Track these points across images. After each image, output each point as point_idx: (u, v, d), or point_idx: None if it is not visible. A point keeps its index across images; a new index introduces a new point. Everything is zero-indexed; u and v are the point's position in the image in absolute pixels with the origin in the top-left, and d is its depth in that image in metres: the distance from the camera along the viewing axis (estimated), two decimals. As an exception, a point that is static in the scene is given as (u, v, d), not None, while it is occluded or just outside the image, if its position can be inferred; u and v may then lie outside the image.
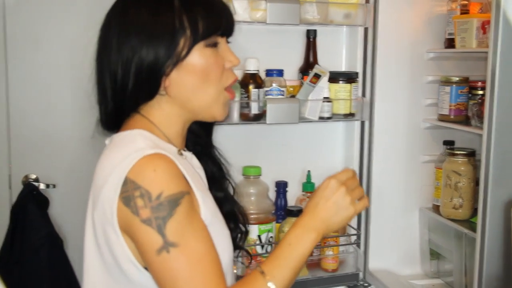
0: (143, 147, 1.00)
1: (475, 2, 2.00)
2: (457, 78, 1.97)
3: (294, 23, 1.83)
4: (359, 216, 2.12)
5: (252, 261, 1.50)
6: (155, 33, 1.01)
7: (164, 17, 1.02)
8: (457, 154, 1.97)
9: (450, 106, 1.98)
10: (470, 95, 1.98)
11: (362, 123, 2.08)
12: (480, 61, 2.05)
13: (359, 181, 2.11)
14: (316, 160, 2.12)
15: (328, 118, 1.96)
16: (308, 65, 2.00)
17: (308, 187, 2.04)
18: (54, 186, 2.12)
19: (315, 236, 1.05)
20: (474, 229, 1.79)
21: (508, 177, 1.47)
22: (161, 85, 1.04)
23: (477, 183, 1.98)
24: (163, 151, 1.00)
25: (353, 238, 2.10)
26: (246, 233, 1.27)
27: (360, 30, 2.02)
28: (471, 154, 1.97)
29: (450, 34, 2.00)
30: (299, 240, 1.04)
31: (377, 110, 2.04)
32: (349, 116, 2.01)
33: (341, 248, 2.06)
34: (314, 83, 1.90)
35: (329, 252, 2.02)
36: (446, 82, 1.99)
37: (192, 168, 1.11)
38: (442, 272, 2.08)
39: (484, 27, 1.84)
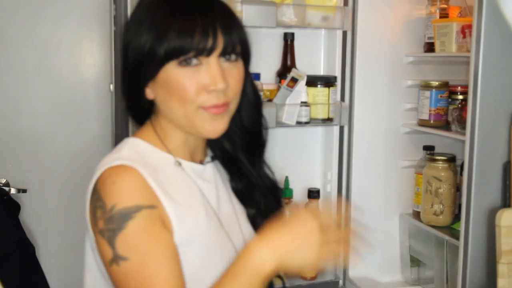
0: (120, 157, 0.99)
1: (454, 6, 1.98)
2: (437, 83, 1.95)
3: (271, 26, 1.79)
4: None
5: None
6: (140, 40, 0.99)
7: (149, 28, 0.99)
8: (437, 160, 1.94)
9: (430, 110, 1.96)
10: (450, 99, 1.96)
11: (341, 128, 2.04)
12: (460, 66, 2.03)
13: (339, 186, 2.08)
14: (294, 166, 2.08)
15: (306, 122, 1.92)
16: (286, 69, 1.96)
17: (286, 193, 2.00)
18: (25, 191, 2.04)
19: (264, 271, 0.90)
20: (455, 236, 1.76)
21: (491, 183, 1.45)
22: (144, 96, 1.03)
23: (457, 188, 1.96)
24: (134, 163, 0.97)
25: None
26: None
27: (339, 33, 1.98)
28: (452, 160, 1.95)
29: (429, 38, 1.97)
30: (245, 272, 0.91)
31: (356, 114, 2.01)
32: (327, 120, 1.97)
33: (319, 255, 2.01)
34: (291, 87, 1.86)
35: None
36: (426, 86, 1.97)
37: (187, 182, 1.05)
38: (423, 279, 2.05)
39: (464, 31, 1.82)
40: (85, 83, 2.02)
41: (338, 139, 2.05)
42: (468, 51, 1.79)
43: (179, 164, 1.06)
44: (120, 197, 0.94)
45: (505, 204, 1.44)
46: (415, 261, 2.07)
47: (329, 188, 2.07)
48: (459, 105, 1.87)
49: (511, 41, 1.42)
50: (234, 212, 1.13)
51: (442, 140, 2.05)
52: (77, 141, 2.03)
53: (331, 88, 1.95)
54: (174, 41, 0.96)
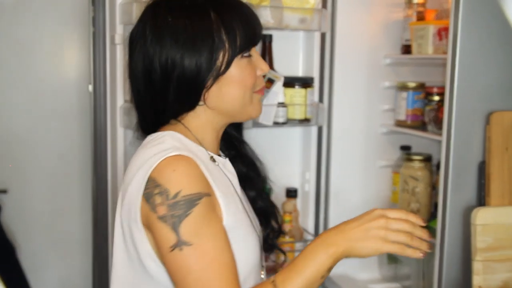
0: (169, 147, 1.02)
1: (430, 9, 2.01)
2: (414, 84, 1.98)
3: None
4: (316, 220, 2.10)
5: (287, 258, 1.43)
6: (196, 47, 1.02)
7: (202, 31, 1.03)
8: (414, 160, 1.97)
9: (407, 111, 1.98)
10: (426, 100, 1.98)
11: (320, 128, 2.05)
12: (436, 67, 2.06)
13: (317, 185, 2.09)
14: (272, 166, 2.08)
15: (283, 123, 1.92)
16: (264, 70, 1.97)
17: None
18: (5, 191, 2.02)
19: (334, 251, 0.96)
20: (431, 234, 1.79)
21: (467, 182, 1.47)
22: (201, 98, 1.07)
23: (433, 187, 1.99)
24: (188, 152, 1.01)
25: (311, 243, 2.07)
26: (279, 231, 1.25)
27: (317, 35, 1.99)
28: (428, 159, 1.98)
29: (406, 40, 2.00)
30: (316, 253, 0.97)
31: (335, 115, 2.03)
32: (305, 121, 1.98)
33: (297, 254, 2.02)
34: (268, 88, 1.87)
35: (285, 258, 1.99)
36: (403, 87, 1.99)
37: (222, 174, 1.11)
38: (400, 276, 2.07)
39: (440, 33, 1.85)
40: (65, 84, 2.01)
41: (317, 139, 2.06)
42: (445, 53, 1.82)
43: (214, 160, 1.12)
44: (184, 184, 0.97)
45: (480, 203, 1.47)
46: (392, 259, 2.09)
47: (307, 188, 2.08)
48: (436, 106, 1.90)
49: (487, 43, 1.44)
50: (246, 201, 1.19)
51: (419, 140, 2.07)
52: (57, 141, 2.02)
53: (308, 89, 1.95)
54: (240, 36, 1.04)
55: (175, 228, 0.96)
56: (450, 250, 1.48)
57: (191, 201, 0.96)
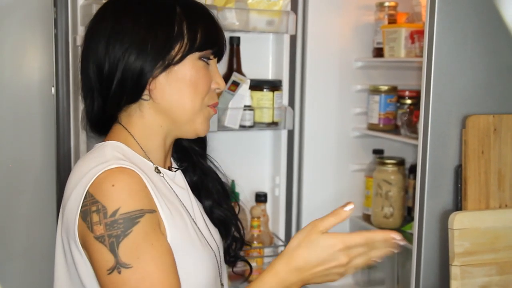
0: (109, 159, 0.95)
1: (402, 12, 2.00)
2: (386, 87, 1.97)
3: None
4: (288, 226, 2.07)
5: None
6: (152, 33, 0.98)
7: (163, 19, 1.00)
8: (387, 163, 1.96)
9: (379, 115, 1.97)
10: (398, 104, 1.98)
11: (290, 132, 2.02)
12: (408, 70, 2.06)
13: (288, 190, 2.06)
14: (241, 170, 2.03)
15: (250, 126, 1.88)
16: (231, 73, 1.92)
17: (233, 197, 1.96)
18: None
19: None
20: (406, 238, 1.77)
21: (443, 187, 1.46)
22: (146, 86, 1.00)
23: (406, 191, 1.99)
24: (129, 165, 0.94)
25: (281, 249, 2.03)
26: (242, 241, 1.19)
27: (286, 38, 1.95)
28: (401, 163, 1.97)
29: (378, 43, 1.99)
30: None
31: (307, 118, 2.00)
32: (273, 125, 1.94)
33: (266, 260, 1.98)
34: (233, 90, 1.83)
35: (253, 263, 1.94)
36: (375, 91, 1.98)
37: (167, 187, 1.04)
38: (374, 281, 2.06)
39: (412, 36, 1.84)
40: (27, 86, 1.94)
41: (287, 143, 2.02)
42: (417, 56, 1.81)
43: (159, 171, 1.04)
44: (123, 200, 0.90)
45: (457, 207, 1.46)
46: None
47: (278, 192, 2.05)
48: (408, 110, 1.89)
49: (462, 46, 1.43)
50: (201, 214, 1.12)
51: (391, 143, 2.07)
52: (20, 146, 1.95)
53: (276, 92, 1.91)
54: (202, 35, 1.01)
55: (112, 249, 0.89)
56: (427, 255, 1.47)
57: (131, 220, 0.89)
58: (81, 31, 1.73)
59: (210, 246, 1.07)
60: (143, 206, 0.91)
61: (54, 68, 1.86)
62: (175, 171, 1.10)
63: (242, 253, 1.24)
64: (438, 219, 1.46)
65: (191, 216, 1.06)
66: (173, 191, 1.05)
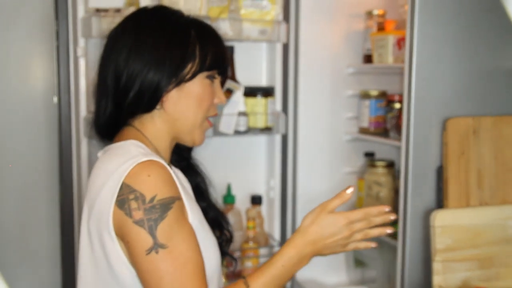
0: (137, 154, 1.05)
1: (390, 20, 2.07)
2: (376, 92, 2.03)
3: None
4: (283, 226, 2.14)
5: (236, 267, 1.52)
6: (168, 52, 1.10)
7: (180, 40, 1.12)
8: (377, 166, 2.02)
9: (369, 119, 2.04)
10: (388, 108, 2.04)
11: (284, 137, 2.09)
12: (396, 76, 2.13)
13: (283, 192, 2.13)
14: (237, 173, 2.12)
15: (244, 132, 1.96)
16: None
17: (229, 199, 2.05)
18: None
19: (306, 262, 1.12)
20: (394, 237, 1.84)
21: (426, 186, 1.53)
22: (160, 99, 1.11)
23: (396, 192, 2.05)
24: (157, 158, 1.06)
25: (276, 249, 2.10)
26: (231, 239, 1.32)
27: (278, 46, 2.04)
28: (391, 165, 2.03)
29: (368, 50, 2.06)
30: (293, 264, 1.10)
31: (301, 123, 2.07)
32: (266, 130, 2.02)
33: (262, 260, 2.06)
34: (227, 97, 1.91)
35: (248, 263, 2.01)
36: (365, 96, 2.05)
37: (178, 180, 1.14)
38: (367, 279, 2.12)
39: (399, 43, 1.91)
40: (31, 96, 2.01)
41: (281, 147, 2.10)
42: (404, 62, 1.88)
43: (170, 166, 1.16)
44: (159, 188, 1.01)
45: (439, 206, 1.53)
46: (359, 262, 2.14)
47: (272, 195, 2.12)
48: (397, 113, 1.96)
49: (442, 52, 1.51)
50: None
51: (382, 146, 2.14)
52: (24, 153, 2.01)
53: (269, 98, 2.00)
54: (211, 56, 1.13)
55: (151, 231, 1.00)
56: (411, 251, 1.53)
57: (166, 205, 1.01)
58: (81, 42, 1.82)
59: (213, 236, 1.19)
60: (174, 194, 1.03)
61: (56, 78, 1.93)
62: (177, 169, 1.23)
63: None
64: (421, 217, 1.53)
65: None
66: (182, 184, 1.15)
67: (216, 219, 1.28)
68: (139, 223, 1.00)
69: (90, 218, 1.07)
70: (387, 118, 2.02)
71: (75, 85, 1.87)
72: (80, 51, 1.82)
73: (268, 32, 1.94)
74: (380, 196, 2.01)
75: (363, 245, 1.14)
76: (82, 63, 1.84)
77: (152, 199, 1.00)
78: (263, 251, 2.07)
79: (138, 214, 1.00)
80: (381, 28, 2.05)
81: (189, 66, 1.11)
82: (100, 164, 1.10)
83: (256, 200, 2.07)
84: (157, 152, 1.14)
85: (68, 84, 1.89)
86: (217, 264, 1.14)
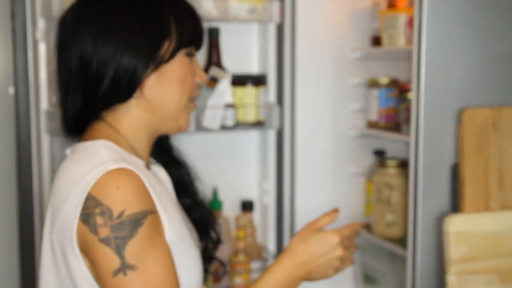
0: (107, 160, 1.09)
1: (402, -5, 2.13)
2: (386, 80, 2.09)
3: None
4: (279, 236, 2.20)
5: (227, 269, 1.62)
6: (142, 31, 1.14)
7: (154, 17, 1.15)
8: (388, 166, 2.07)
9: (379, 111, 2.09)
10: (400, 98, 2.09)
11: (279, 133, 2.16)
12: (409, 61, 2.17)
13: (278, 197, 2.20)
14: (224, 175, 2.18)
15: (233, 127, 2.02)
16: (210, 67, 2.06)
17: (215, 205, 2.10)
18: None
19: (297, 284, 1.22)
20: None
21: (439, 187, 1.60)
22: (139, 86, 1.15)
23: (411, 196, 2.11)
24: (129, 165, 1.09)
25: (270, 262, 2.15)
26: (218, 241, 1.38)
27: (271, 27, 2.10)
28: (404, 165, 2.08)
29: (376, 31, 2.12)
30: (281, 283, 1.19)
31: (299, 117, 2.13)
32: (257, 124, 2.09)
33: (254, 275, 2.11)
34: (212, 87, 1.95)
35: (238, 279, 2.07)
36: (374, 84, 2.10)
37: (159, 182, 1.21)
38: (376, 297, 2.19)
39: (412, 22, 1.96)
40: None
41: (276, 145, 2.16)
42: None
43: (149, 168, 1.22)
44: (128, 202, 1.05)
45: (454, 209, 1.60)
46: (369, 279, 2.20)
47: (266, 200, 2.19)
48: (411, 104, 2.01)
49: (455, 34, 1.57)
50: (181, 210, 1.30)
51: (393, 143, 2.19)
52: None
53: (261, 88, 2.06)
54: (189, 31, 1.18)
55: (119, 251, 1.03)
56: (423, 262, 1.60)
57: (136, 221, 1.05)
58: (41, 23, 1.87)
59: (196, 242, 1.25)
60: (146, 207, 1.07)
61: (12, 65, 1.98)
62: (157, 165, 1.28)
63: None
64: (434, 223, 1.60)
65: (179, 208, 1.24)
66: (163, 185, 1.22)
67: (202, 220, 1.34)
68: (105, 241, 1.03)
69: (53, 229, 1.10)
70: (399, 110, 2.07)
71: (35, 74, 1.92)
72: (39, 34, 1.88)
73: (258, 10, 2.00)
74: (392, 201, 2.06)
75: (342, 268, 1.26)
76: (42, 47, 1.90)
77: (120, 215, 1.04)
78: (255, 265, 2.13)
79: (104, 232, 1.03)
80: (391, 5, 2.10)
81: (166, 44, 1.15)
82: (65, 167, 1.13)
83: (247, 206, 2.14)
84: (134, 151, 1.19)
85: (26, 73, 1.94)
86: (198, 276, 1.19)
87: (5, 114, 2.02)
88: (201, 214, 1.34)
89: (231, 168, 2.20)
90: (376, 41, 2.13)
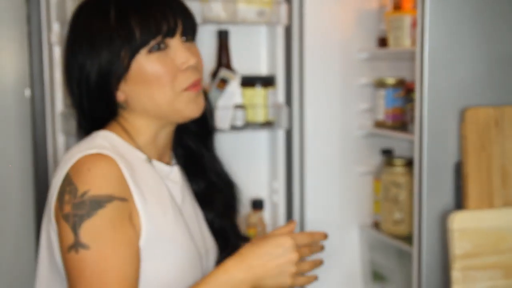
0: (95, 146, 1.15)
1: (408, -4, 2.16)
2: (392, 80, 2.12)
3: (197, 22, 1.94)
4: (289, 235, 2.22)
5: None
6: (96, 49, 1.17)
7: (101, 32, 1.17)
8: (395, 164, 2.11)
9: (386, 111, 2.13)
10: (407, 98, 2.12)
11: (289, 132, 2.20)
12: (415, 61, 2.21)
13: (288, 196, 2.24)
14: (234, 175, 2.19)
15: (242, 127, 2.07)
16: (220, 69, 2.11)
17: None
18: None
19: (244, 286, 1.13)
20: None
21: (443, 185, 1.63)
22: (114, 100, 1.20)
23: (417, 194, 2.14)
24: (111, 152, 1.14)
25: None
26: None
27: (280, 29, 2.15)
28: (410, 164, 2.11)
29: (382, 32, 2.15)
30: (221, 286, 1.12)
31: (307, 117, 2.17)
32: (267, 124, 2.13)
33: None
34: (222, 88, 2.00)
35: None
36: (381, 84, 2.14)
37: (157, 179, 1.24)
38: (386, 295, 2.22)
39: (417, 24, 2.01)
40: (0, 89, 2.10)
41: (285, 144, 2.21)
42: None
43: (150, 161, 1.25)
44: (94, 184, 1.09)
45: (458, 207, 1.63)
46: (377, 276, 2.24)
47: (276, 198, 2.24)
48: (416, 104, 2.05)
49: (458, 33, 1.61)
50: (196, 216, 1.33)
51: (401, 142, 2.23)
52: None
53: (270, 89, 2.11)
54: (139, 30, 1.16)
55: (74, 228, 1.08)
56: (428, 258, 1.64)
57: (98, 203, 1.08)
58: (56, 27, 1.93)
59: (197, 249, 1.27)
60: (114, 193, 1.10)
61: (28, 68, 2.03)
62: (172, 166, 1.31)
63: None
64: (438, 220, 1.63)
65: (180, 211, 1.26)
66: (163, 183, 1.25)
67: (222, 233, 1.37)
68: (65, 217, 1.09)
69: (46, 209, 1.18)
70: (406, 110, 2.11)
71: (50, 76, 1.98)
72: (54, 37, 1.93)
73: (267, 13, 2.05)
74: (399, 199, 2.10)
75: (302, 280, 1.18)
76: (57, 50, 1.95)
77: (83, 194, 1.08)
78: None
79: (67, 208, 1.09)
80: (397, 6, 2.13)
81: (122, 53, 1.16)
82: (67, 152, 1.21)
83: (257, 205, 2.18)
84: (138, 147, 1.23)
85: (42, 75, 2.00)
86: (171, 283, 1.17)
87: (22, 116, 2.08)
88: (221, 227, 1.37)
89: (241, 168, 2.21)
90: (383, 42, 2.16)
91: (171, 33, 1.19)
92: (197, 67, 1.23)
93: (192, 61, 1.20)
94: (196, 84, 1.22)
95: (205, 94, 1.34)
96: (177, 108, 1.21)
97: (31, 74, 2.02)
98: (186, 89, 1.21)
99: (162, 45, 1.19)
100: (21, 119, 2.08)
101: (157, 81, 1.18)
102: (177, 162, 1.37)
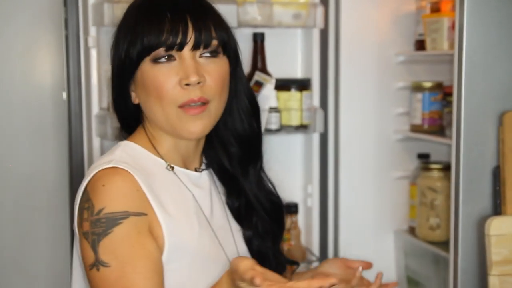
0: (112, 159, 1.16)
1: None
2: (430, 84, 2.12)
3: (232, 26, 1.94)
4: (323, 240, 2.24)
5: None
6: (119, 43, 1.22)
7: (120, 29, 1.23)
8: (432, 169, 2.10)
9: (422, 115, 2.12)
10: (444, 102, 2.12)
11: (323, 136, 2.20)
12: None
13: (322, 200, 2.23)
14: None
15: (277, 130, 2.08)
16: (255, 72, 2.12)
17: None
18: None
19: None
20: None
21: (480, 190, 1.62)
22: (130, 99, 1.24)
23: (454, 200, 2.12)
24: (127, 166, 1.15)
25: (315, 265, 2.19)
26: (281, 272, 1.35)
27: (315, 32, 2.15)
28: (448, 168, 2.10)
29: (420, 35, 2.15)
30: None
31: (342, 121, 2.18)
32: (301, 128, 2.14)
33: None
34: (257, 91, 2.02)
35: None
36: (418, 88, 2.13)
37: (180, 187, 1.23)
38: (422, 303, 2.20)
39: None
40: (38, 91, 2.15)
41: (319, 148, 2.21)
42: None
43: (172, 168, 1.24)
44: (110, 200, 1.11)
45: (496, 212, 1.62)
46: (412, 282, 2.22)
47: (310, 203, 2.23)
48: (454, 108, 2.03)
49: (496, 36, 1.60)
50: (229, 226, 1.32)
51: (438, 147, 2.22)
52: (31, 156, 2.16)
53: (304, 92, 2.12)
54: (144, 39, 1.16)
55: (93, 246, 1.10)
56: (464, 264, 1.63)
57: (114, 220, 1.09)
58: (93, 31, 1.97)
59: (227, 257, 1.25)
60: (130, 209, 1.11)
61: (65, 71, 2.08)
62: (200, 171, 1.29)
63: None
64: (475, 226, 1.62)
65: (207, 219, 1.25)
66: (188, 190, 1.25)
67: (261, 252, 1.33)
68: (85, 235, 1.11)
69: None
70: (443, 114, 2.10)
71: (86, 79, 2.02)
72: (91, 41, 1.97)
73: (302, 16, 2.05)
74: (435, 204, 2.09)
75: None
76: (93, 54, 1.98)
77: (99, 212, 1.10)
78: (300, 267, 2.16)
79: (86, 226, 1.11)
80: (435, 9, 2.13)
81: (127, 59, 1.19)
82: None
83: (291, 209, 2.18)
84: (159, 155, 1.23)
85: (79, 78, 2.04)
86: None
87: (59, 118, 2.12)
88: (260, 248, 1.34)
89: (275, 171, 2.23)
90: (420, 45, 2.15)
91: (178, 46, 1.16)
92: (203, 88, 1.17)
93: (192, 79, 1.15)
94: (193, 103, 1.17)
95: (257, 117, 1.33)
96: (174, 125, 1.19)
97: (68, 77, 2.06)
98: (181, 106, 1.17)
99: (172, 57, 1.17)
100: (58, 121, 2.13)
101: (155, 92, 1.17)
102: (209, 165, 1.34)
